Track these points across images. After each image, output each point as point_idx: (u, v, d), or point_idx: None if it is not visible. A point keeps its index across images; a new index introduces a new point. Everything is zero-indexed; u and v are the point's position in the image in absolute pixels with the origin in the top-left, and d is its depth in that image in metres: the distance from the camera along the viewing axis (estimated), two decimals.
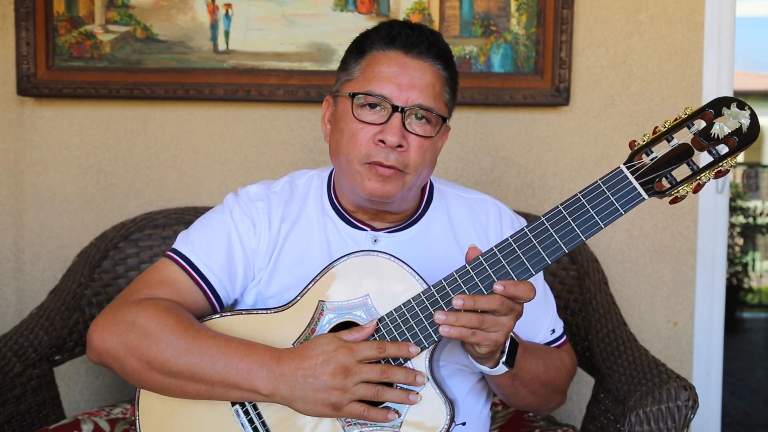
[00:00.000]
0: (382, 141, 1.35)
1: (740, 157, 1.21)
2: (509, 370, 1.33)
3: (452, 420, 1.27)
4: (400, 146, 1.36)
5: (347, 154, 1.39)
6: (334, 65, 1.54)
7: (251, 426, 1.32)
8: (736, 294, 6.37)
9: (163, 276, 1.43)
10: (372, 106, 1.37)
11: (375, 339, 1.29)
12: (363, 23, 2.31)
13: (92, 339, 1.37)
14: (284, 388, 1.25)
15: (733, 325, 6.11)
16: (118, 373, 1.38)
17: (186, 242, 1.47)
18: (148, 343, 1.31)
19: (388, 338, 1.29)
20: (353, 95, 1.38)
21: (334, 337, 1.27)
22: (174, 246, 1.47)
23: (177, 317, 1.34)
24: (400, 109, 1.36)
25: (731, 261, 6.28)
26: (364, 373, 1.24)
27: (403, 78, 1.37)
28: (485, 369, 1.33)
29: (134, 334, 1.33)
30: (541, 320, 1.54)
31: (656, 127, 1.23)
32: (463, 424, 1.47)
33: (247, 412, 1.32)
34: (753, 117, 1.19)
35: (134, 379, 1.36)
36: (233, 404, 1.33)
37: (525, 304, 1.27)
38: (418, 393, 1.27)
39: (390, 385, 1.28)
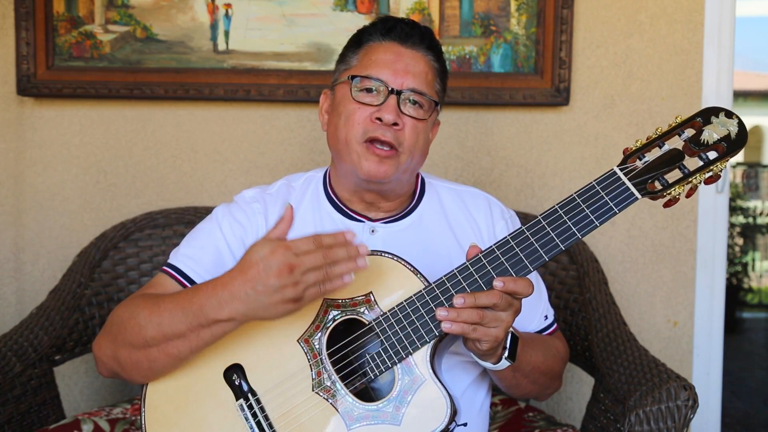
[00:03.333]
0: (379, 119, 1.42)
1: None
2: (511, 365, 1.35)
3: (454, 414, 1.28)
4: (395, 124, 1.43)
5: (345, 135, 1.45)
6: (334, 65, 1.58)
7: (254, 420, 1.33)
8: (736, 294, 6.38)
9: (152, 284, 1.50)
10: (369, 90, 1.45)
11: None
12: (363, 23, 2.28)
13: (95, 354, 1.43)
14: (240, 306, 1.25)
15: (733, 325, 6.12)
16: (125, 376, 1.40)
17: (174, 254, 1.53)
18: (124, 328, 1.36)
19: (390, 333, 1.31)
20: (352, 78, 1.46)
21: (267, 241, 1.25)
22: (166, 261, 1.53)
23: (141, 297, 1.40)
24: (395, 92, 1.43)
25: (731, 261, 6.29)
26: (307, 262, 1.22)
27: (399, 64, 1.46)
28: (488, 365, 1.36)
29: (115, 326, 1.39)
30: (534, 308, 1.58)
31: (648, 135, 1.29)
32: (465, 424, 1.48)
33: (251, 407, 1.33)
34: (741, 125, 1.26)
35: (132, 368, 1.37)
36: (237, 399, 1.34)
37: None
38: (364, 258, 1.26)
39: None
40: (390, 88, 1.43)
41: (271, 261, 1.21)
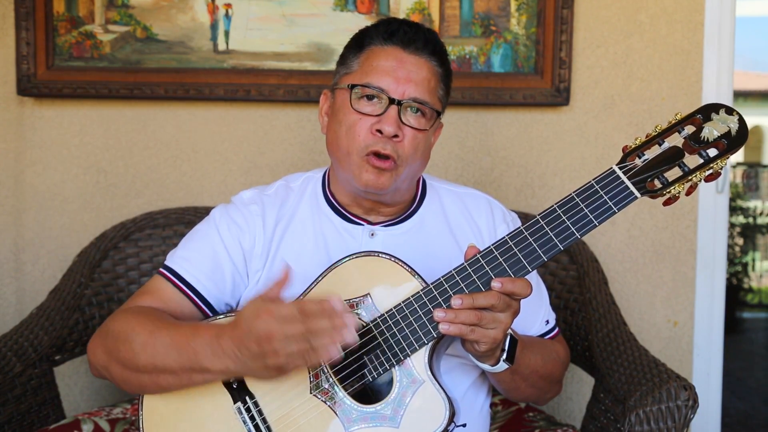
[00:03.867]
0: (379, 131, 1.40)
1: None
2: (509, 367, 1.35)
3: (452, 415, 1.27)
4: (396, 136, 1.40)
5: (347, 146, 1.43)
6: (334, 65, 1.56)
7: (252, 423, 1.32)
8: (736, 294, 6.38)
9: (148, 288, 1.48)
10: (369, 98, 1.42)
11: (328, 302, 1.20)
12: (363, 23, 2.29)
13: (88, 355, 1.43)
14: (230, 363, 1.24)
15: (733, 325, 6.12)
16: (116, 384, 1.41)
17: (171, 256, 1.51)
18: (118, 346, 1.35)
19: (388, 335, 1.30)
20: (352, 87, 1.43)
21: (257, 302, 1.21)
22: (163, 263, 1.52)
23: (141, 317, 1.37)
24: (396, 102, 1.40)
25: (731, 261, 6.29)
26: (287, 332, 1.17)
27: (401, 72, 1.42)
28: (486, 367, 1.35)
29: (110, 339, 1.38)
30: (536, 312, 1.57)
31: (648, 133, 1.27)
32: (464, 425, 1.47)
33: (248, 410, 1.33)
34: (741, 121, 1.25)
35: (123, 383, 1.38)
36: (235, 402, 1.34)
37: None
38: (352, 331, 1.18)
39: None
40: (391, 98, 1.40)
41: (253, 326, 1.19)
